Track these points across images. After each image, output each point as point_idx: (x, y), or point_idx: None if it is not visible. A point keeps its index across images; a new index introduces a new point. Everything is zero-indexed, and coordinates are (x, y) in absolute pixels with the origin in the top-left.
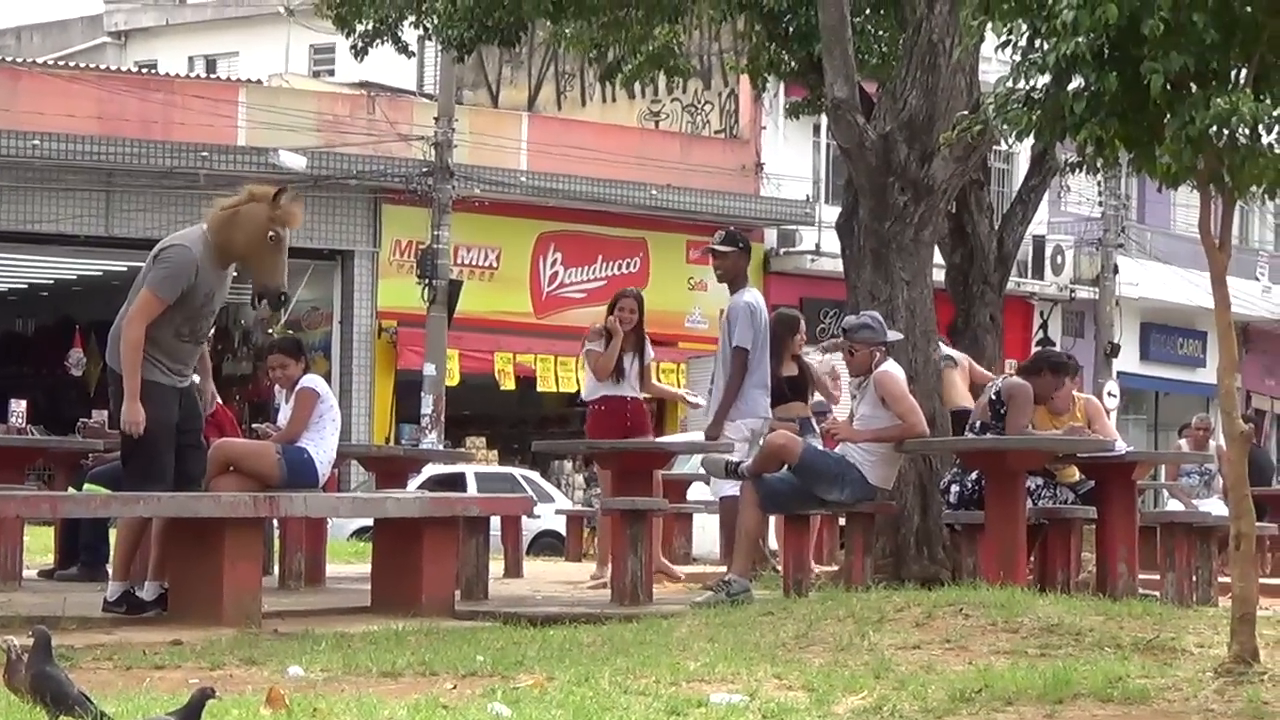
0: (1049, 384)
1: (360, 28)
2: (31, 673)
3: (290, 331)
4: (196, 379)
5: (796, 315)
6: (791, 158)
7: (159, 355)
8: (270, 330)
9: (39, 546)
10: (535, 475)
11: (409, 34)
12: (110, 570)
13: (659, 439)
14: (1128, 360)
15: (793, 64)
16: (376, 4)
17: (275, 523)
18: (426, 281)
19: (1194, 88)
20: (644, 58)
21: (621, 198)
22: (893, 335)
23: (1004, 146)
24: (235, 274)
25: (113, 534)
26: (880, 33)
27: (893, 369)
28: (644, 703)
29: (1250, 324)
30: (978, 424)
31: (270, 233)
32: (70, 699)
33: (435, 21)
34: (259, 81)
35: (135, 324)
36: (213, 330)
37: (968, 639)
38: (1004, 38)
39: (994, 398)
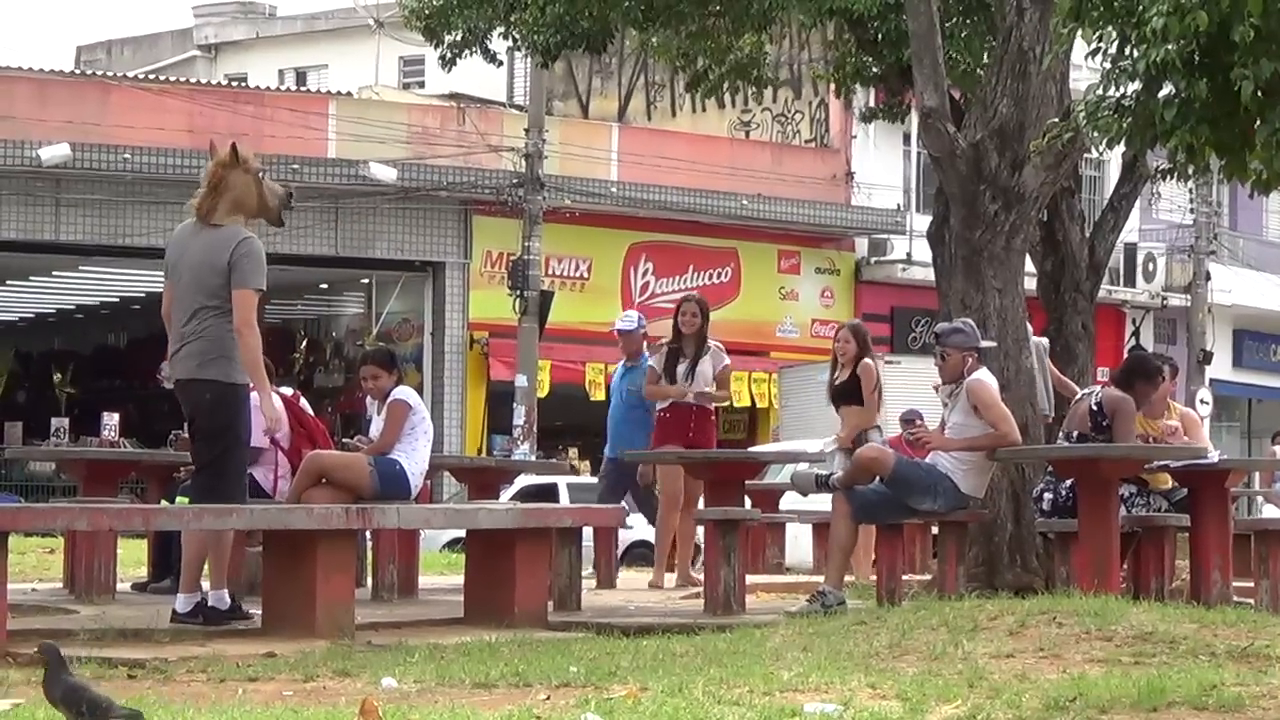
0: (1143, 393)
1: (449, 38)
2: (60, 690)
3: (382, 343)
4: None
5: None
6: (882, 166)
7: (237, 356)
8: (361, 342)
9: (132, 559)
10: None
11: (497, 44)
12: (182, 582)
13: (751, 449)
14: (1220, 367)
15: (878, 70)
16: (465, 15)
17: (368, 535)
18: (518, 293)
19: None
20: (727, 67)
21: (712, 208)
22: (986, 343)
23: (1095, 154)
24: None
25: None
26: (970, 36)
27: (985, 377)
28: (738, 713)
29: None
30: (1075, 434)
31: (259, 172)
32: (104, 704)
33: (523, 30)
34: (349, 94)
35: (254, 328)
36: (304, 342)
37: (1061, 647)
38: (1094, 45)
39: (1095, 408)
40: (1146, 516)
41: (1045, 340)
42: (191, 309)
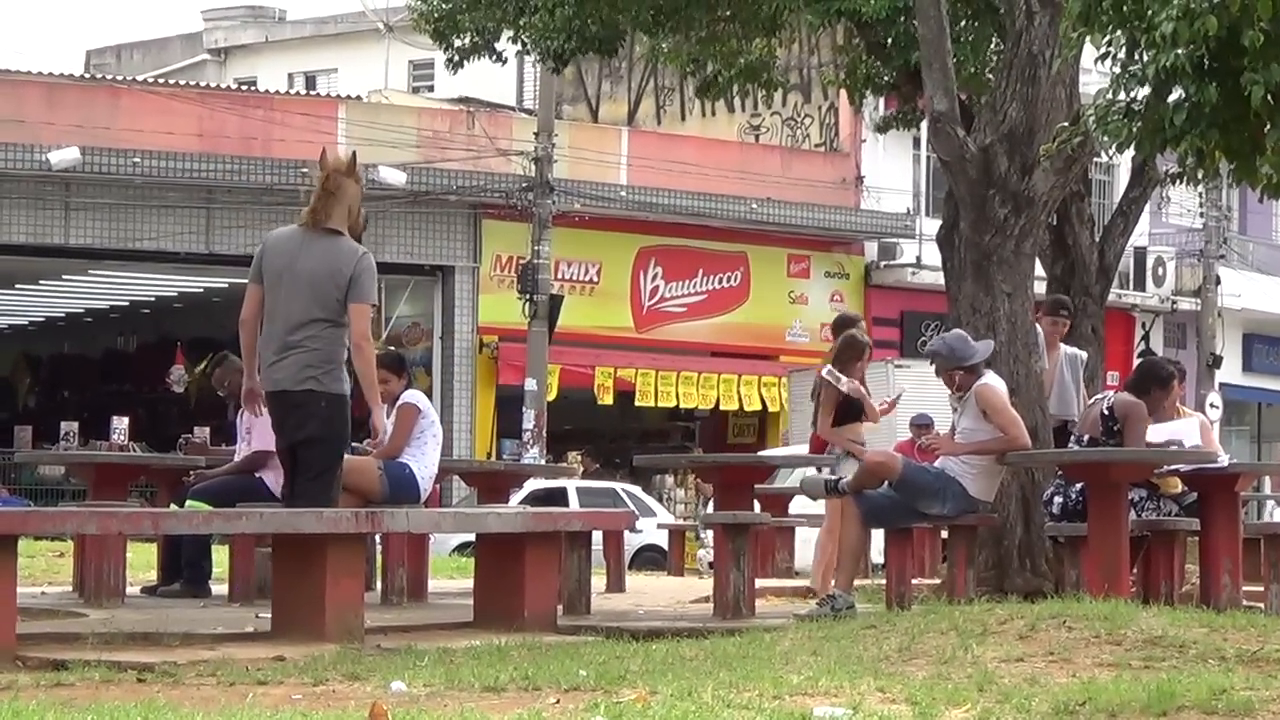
0: (1157, 398)
1: (458, 42)
2: None
3: (391, 347)
4: None
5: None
6: (891, 170)
7: (342, 368)
8: None
9: (142, 563)
10: (637, 489)
11: (507, 47)
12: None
13: (760, 453)
14: (1230, 371)
15: (889, 75)
16: (474, 18)
17: (378, 538)
18: (527, 296)
19: None
20: (737, 70)
21: (722, 211)
22: (982, 346)
23: (1104, 158)
24: None
25: (215, 551)
26: (979, 40)
27: (993, 381)
28: (747, 716)
29: None
30: (1085, 438)
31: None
32: None
33: (533, 34)
34: (358, 98)
35: (371, 341)
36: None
37: (1071, 651)
38: (1104, 49)
39: (1106, 413)
40: (1156, 521)
41: (1084, 354)
42: (304, 319)
